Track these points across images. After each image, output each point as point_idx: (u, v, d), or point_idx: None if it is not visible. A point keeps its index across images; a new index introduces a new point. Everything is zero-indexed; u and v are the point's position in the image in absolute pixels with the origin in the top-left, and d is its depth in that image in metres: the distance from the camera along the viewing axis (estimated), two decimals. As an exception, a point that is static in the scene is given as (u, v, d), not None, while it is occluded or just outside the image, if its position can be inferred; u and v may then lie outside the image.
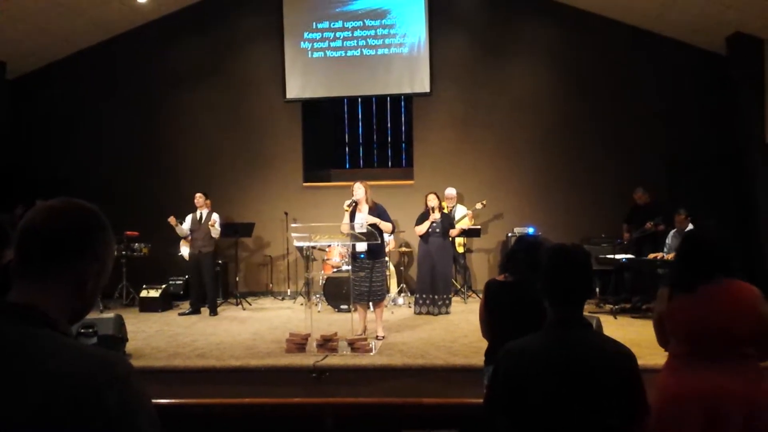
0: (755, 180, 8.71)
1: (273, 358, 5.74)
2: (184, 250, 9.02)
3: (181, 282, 9.23)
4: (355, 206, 6.44)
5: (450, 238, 8.15)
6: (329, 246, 8.51)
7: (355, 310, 6.58)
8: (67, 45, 10.21)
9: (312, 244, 6.40)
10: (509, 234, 9.42)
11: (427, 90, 9.99)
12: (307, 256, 6.82)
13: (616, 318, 7.35)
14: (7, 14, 8.62)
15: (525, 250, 3.32)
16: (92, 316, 5.90)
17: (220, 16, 10.31)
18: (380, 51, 10.07)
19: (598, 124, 9.63)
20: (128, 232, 9.07)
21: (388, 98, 10.83)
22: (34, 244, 1.17)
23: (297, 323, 7.09)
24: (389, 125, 11.15)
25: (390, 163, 11.14)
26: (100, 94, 10.40)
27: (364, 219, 6.29)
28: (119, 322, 5.91)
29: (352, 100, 10.96)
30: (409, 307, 8.51)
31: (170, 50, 10.36)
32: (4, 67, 10.04)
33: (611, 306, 7.84)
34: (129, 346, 6.08)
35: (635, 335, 5.98)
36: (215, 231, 8.35)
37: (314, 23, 10.19)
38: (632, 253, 8.32)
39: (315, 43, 10.19)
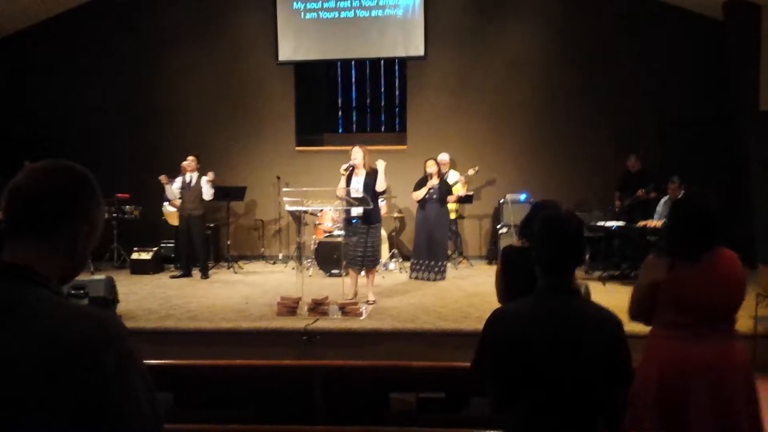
0: (748, 146, 8.71)
1: (264, 321, 5.78)
2: (170, 214, 8.98)
3: (172, 245, 9.21)
4: (351, 170, 6.40)
5: (447, 205, 8.15)
6: (321, 210, 8.50)
7: (347, 274, 6.61)
8: (58, 3, 9.98)
9: (304, 208, 6.39)
10: (501, 200, 9.44)
11: (422, 53, 9.86)
12: (299, 220, 6.82)
13: (604, 285, 7.41)
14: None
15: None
16: (83, 277, 5.90)
17: (211, -26, 10.08)
18: (374, 13, 9.90)
19: (592, 89, 9.57)
20: (119, 195, 9.01)
21: (382, 62, 10.69)
22: (22, 205, 1.16)
23: (288, 287, 7.12)
24: (383, 89, 11.03)
25: (383, 128, 11.05)
26: (92, 54, 10.20)
27: (360, 185, 6.25)
28: (110, 284, 5.93)
29: (346, 63, 10.81)
30: (401, 272, 8.55)
31: (162, 9, 10.14)
32: (-9, 26, 9.83)
33: (600, 273, 7.90)
34: (120, 308, 6.10)
35: (623, 302, 5.99)
36: (208, 190, 8.28)
37: (307, -17, 9.99)
38: (624, 221, 8.35)
39: (308, 4, 9.99)
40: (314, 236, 8.67)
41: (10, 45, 10.26)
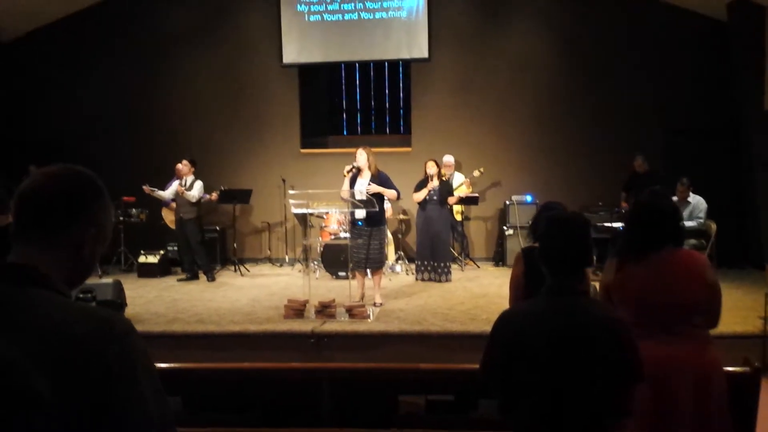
0: (753, 148, 8.68)
1: (271, 323, 5.79)
2: (169, 218, 9.01)
3: (178, 248, 9.23)
4: (357, 172, 6.39)
5: (448, 206, 8.15)
6: (327, 213, 8.51)
7: (354, 277, 6.61)
8: (61, 7, 10.03)
9: (310, 210, 6.39)
10: (507, 202, 9.42)
11: (426, 56, 9.87)
12: (305, 222, 6.82)
13: (611, 285, 7.38)
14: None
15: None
16: (91, 281, 5.92)
17: (215, -22, 10.11)
18: (378, 15, 9.91)
19: (596, 90, 9.55)
20: (126, 198, 9.04)
21: (386, 64, 10.70)
22: (30, 208, 1.18)
23: (295, 290, 7.13)
24: (387, 91, 11.04)
25: (388, 130, 11.06)
26: (95, 57, 10.25)
27: (365, 187, 6.24)
28: (118, 288, 5.95)
29: (350, 65, 10.82)
30: (407, 274, 8.55)
31: (165, 12, 10.18)
32: (-3, 30, 9.89)
33: (607, 274, 7.87)
34: (128, 312, 6.12)
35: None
36: (196, 193, 8.24)
37: (311, -14, 10.01)
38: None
39: (312, 6, 10.01)
40: (320, 238, 8.68)
41: (13, 50, 10.31)
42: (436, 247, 7.82)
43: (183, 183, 8.27)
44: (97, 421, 1.04)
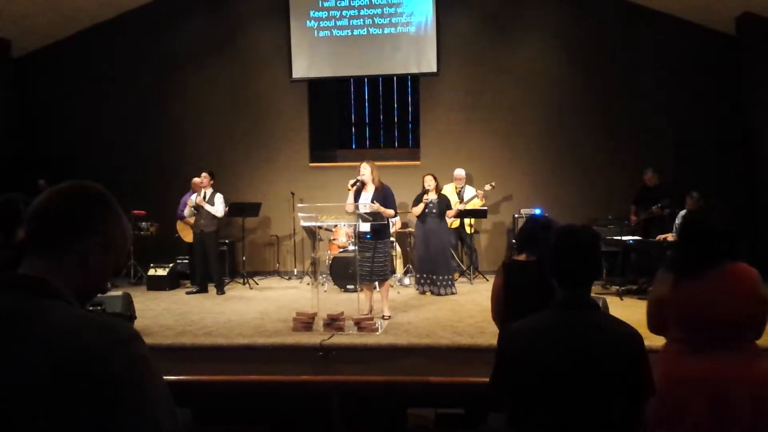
0: (764, 162, 8.64)
1: (280, 336, 5.78)
2: (183, 230, 9.04)
3: (188, 261, 9.27)
4: (361, 186, 6.42)
5: (447, 219, 8.14)
6: (336, 226, 8.52)
7: (362, 290, 6.60)
8: (73, 23, 10.17)
9: (319, 224, 6.41)
10: (516, 215, 9.41)
11: (434, 70, 9.92)
12: (314, 236, 6.83)
13: (622, 299, 7.35)
14: (13, -8, 8.58)
15: (542, 229, 3.30)
16: (100, 294, 5.93)
17: (226, -6, 10.23)
18: (387, 30, 9.99)
19: (606, 104, 9.56)
20: (135, 212, 9.10)
21: (395, 78, 10.76)
22: (36, 223, 1.22)
23: (304, 303, 7.13)
24: (396, 105, 11.09)
25: (396, 144, 11.10)
26: (106, 73, 10.37)
27: (369, 198, 6.27)
28: (127, 300, 5.96)
29: (359, 79, 10.89)
30: (415, 287, 8.53)
31: (176, 29, 10.31)
32: (9, 46, 10.02)
33: (617, 287, 7.83)
34: (137, 324, 6.11)
35: (641, 316, 5.91)
36: (219, 208, 8.32)
37: (320, 1, 10.10)
38: (639, 235, 8.29)
39: (321, 22, 10.11)
40: (329, 251, 8.68)
41: (24, 66, 10.44)
42: (435, 261, 7.82)
43: (203, 196, 8.31)
44: (102, 428, 1.05)
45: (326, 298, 7.55)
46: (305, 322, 5.88)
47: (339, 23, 10.09)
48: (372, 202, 6.24)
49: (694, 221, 2.63)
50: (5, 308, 1.11)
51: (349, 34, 10.09)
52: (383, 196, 6.31)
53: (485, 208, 9.02)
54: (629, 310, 6.56)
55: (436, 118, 10.03)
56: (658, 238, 7.60)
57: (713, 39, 9.24)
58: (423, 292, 7.89)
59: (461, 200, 8.94)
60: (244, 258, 9.47)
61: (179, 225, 9.13)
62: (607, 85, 9.55)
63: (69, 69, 10.42)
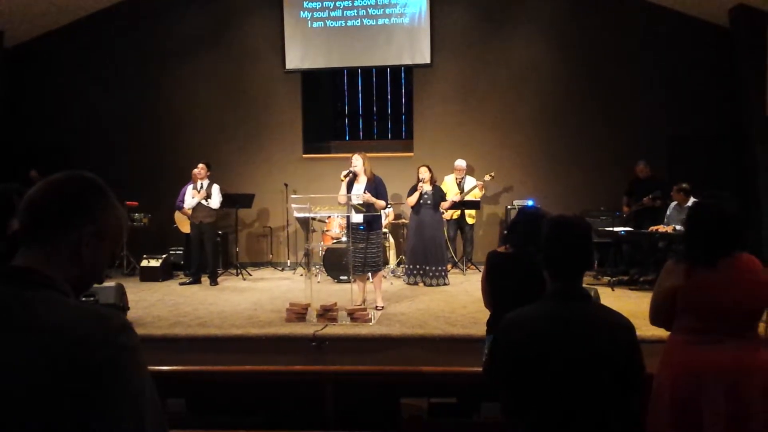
0: (755, 154, 8.69)
1: (273, 327, 5.79)
2: (181, 221, 9.02)
3: (181, 252, 9.26)
4: (353, 177, 6.43)
5: (441, 210, 8.16)
6: (329, 217, 8.53)
7: (355, 280, 6.62)
8: (67, 13, 10.08)
9: (312, 215, 6.41)
10: (509, 207, 9.44)
11: (428, 61, 9.90)
12: (307, 226, 6.83)
13: (613, 290, 7.40)
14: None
15: (525, 222, 3.33)
16: (96, 284, 5.92)
17: (218, -16, 10.16)
18: (381, 21, 9.96)
19: (599, 96, 9.58)
20: (128, 202, 9.07)
21: (388, 69, 10.73)
22: (30, 213, 1.22)
23: (297, 293, 7.15)
24: (389, 97, 11.08)
25: (390, 135, 11.09)
26: (100, 63, 10.30)
27: (362, 189, 6.28)
28: (120, 291, 5.96)
29: (352, 71, 10.86)
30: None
31: (170, 19, 10.23)
32: (2, 35, 9.92)
33: (609, 278, 7.89)
34: (130, 315, 6.13)
35: (633, 307, 6.03)
36: (216, 199, 8.33)
37: (314, -8, 10.06)
38: (631, 226, 8.35)
39: (315, 13, 10.06)
40: (322, 243, 8.69)
41: (17, 55, 10.35)
42: (428, 252, 7.83)
43: (199, 187, 8.30)
44: (90, 418, 1.05)
45: (319, 289, 7.56)
46: (298, 313, 5.90)
47: (333, 14, 10.05)
48: (364, 192, 6.25)
49: (713, 210, 2.59)
50: None
51: (343, 25, 10.06)
52: (375, 187, 6.33)
53: (478, 199, 9.04)
54: (621, 301, 6.61)
55: (429, 110, 10.02)
56: (650, 229, 7.66)
57: (707, 31, 9.26)
58: (414, 283, 7.90)
59: (462, 191, 8.94)
60: (237, 249, 9.47)
61: (177, 216, 9.09)
62: (601, 76, 9.56)
63: (62, 59, 10.34)
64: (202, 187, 8.32)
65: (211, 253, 8.36)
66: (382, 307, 6.45)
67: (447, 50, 9.90)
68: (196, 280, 8.35)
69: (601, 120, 9.57)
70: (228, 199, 8.90)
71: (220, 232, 9.54)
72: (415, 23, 9.87)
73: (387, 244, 8.81)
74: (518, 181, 9.77)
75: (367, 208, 6.15)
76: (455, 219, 9.03)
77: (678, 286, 2.58)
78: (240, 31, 10.22)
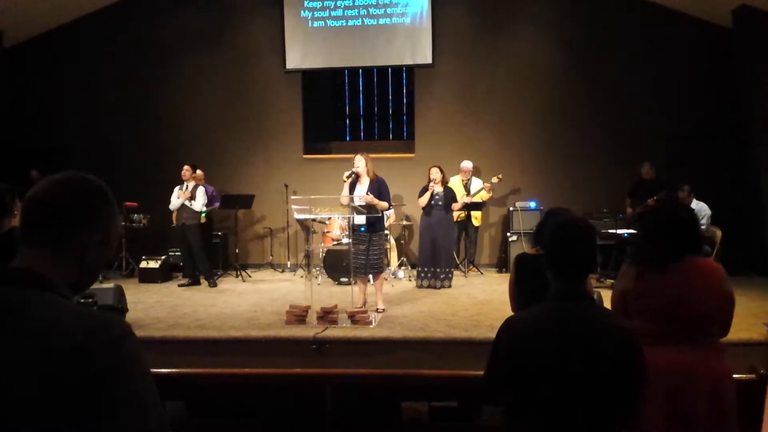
0: (758, 155, 8.64)
1: (273, 329, 5.76)
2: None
3: (180, 253, 9.21)
4: (355, 178, 6.39)
5: (453, 212, 8.12)
6: (329, 219, 8.49)
7: (356, 282, 6.58)
8: (66, 12, 10.06)
9: (312, 216, 6.37)
10: (511, 208, 9.40)
11: (429, 61, 9.87)
12: (308, 229, 6.80)
13: (616, 292, 7.36)
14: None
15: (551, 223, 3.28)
16: (92, 286, 5.89)
17: (219, -17, 10.14)
18: (382, 21, 9.93)
19: (601, 97, 9.54)
20: (128, 203, 9.03)
21: (390, 69, 10.70)
22: (35, 213, 1.19)
23: (297, 295, 7.11)
24: (390, 97, 11.05)
25: (391, 136, 11.06)
26: (99, 63, 10.28)
27: (364, 190, 6.24)
28: (119, 293, 5.93)
29: (353, 71, 10.83)
30: (410, 280, 8.52)
31: (170, 19, 10.21)
32: (1, 35, 9.90)
33: (612, 281, 7.84)
34: (129, 317, 6.10)
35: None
36: (199, 202, 8.21)
37: (315, -8, 10.03)
38: (634, 228, 8.30)
39: (315, 12, 10.03)
40: (323, 244, 8.65)
41: (16, 55, 10.33)
42: (438, 253, 7.79)
43: (184, 188, 8.23)
44: (88, 423, 1.04)
45: (320, 291, 7.53)
46: (299, 315, 5.86)
47: (333, 13, 10.02)
48: (367, 194, 6.21)
49: (660, 215, 2.62)
50: None
51: (344, 24, 10.03)
52: (378, 188, 6.29)
53: (481, 201, 8.99)
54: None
55: (430, 110, 9.99)
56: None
57: (710, 31, 9.22)
58: (426, 286, 7.85)
59: (468, 192, 8.90)
60: (237, 250, 9.43)
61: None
62: (602, 77, 9.52)
63: (62, 59, 10.32)
64: (187, 188, 8.24)
65: (198, 255, 8.22)
66: (383, 309, 6.41)
67: (448, 50, 9.87)
68: (195, 282, 8.31)
69: (603, 120, 9.53)
70: (228, 200, 8.86)
71: (219, 233, 9.52)
72: (416, 23, 9.84)
73: (388, 246, 8.78)
74: (520, 182, 9.73)
75: (369, 209, 6.11)
76: (461, 221, 8.97)
77: (626, 289, 2.60)
78: (240, 31, 10.20)
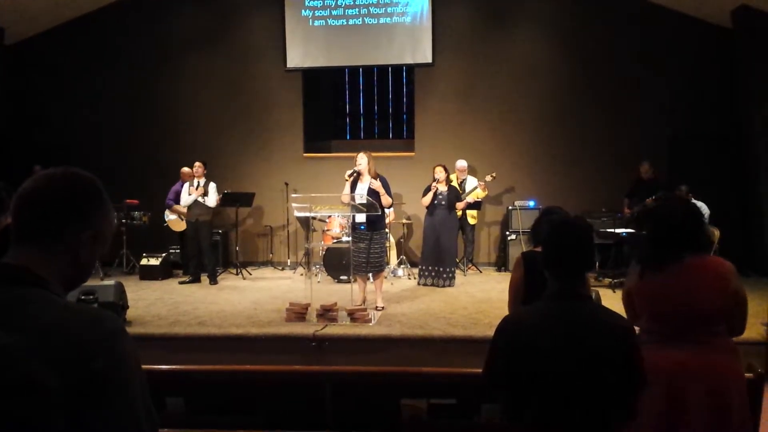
0: (757, 156, 8.66)
1: (273, 327, 5.78)
2: (171, 221, 8.99)
3: (179, 251, 9.23)
4: (357, 176, 6.40)
5: (457, 211, 8.13)
6: (329, 217, 8.51)
7: (355, 280, 6.60)
8: (67, 10, 10.06)
9: (312, 214, 6.39)
10: (510, 207, 9.41)
11: (430, 60, 9.88)
12: (307, 226, 6.81)
13: (614, 291, 7.38)
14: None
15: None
16: (92, 283, 5.94)
17: (220, -18, 10.15)
18: (382, 20, 9.93)
19: (600, 96, 9.55)
20: (128, 201, 9.05)
21: (390, 68, 10.71)
22: (28, 209, 1.18)
23: (297, 293, 7.12)
24: (390, 96, 11.05)
25: (391, 135, 11.07)
26: (100, 61, 10.28)
27: (365, 191, 6.25)
28: (120, 290, 5.94)
29: (354, 70, 10.84)
30: (410, 278, 8.54)
31: (171, 17, 10.22)
32: (2, 33, 9.90)
33: (610, 280, 7.86)
34: (129, 314, 6.11)
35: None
36: (212, 198, 8.30)
37: (315, -9, 10.04)
38: (633, 228, 8.32)
39: (316, 11, 10.04)
40: (323, 242, 8.67)
41: (18, 52, 10.33)
42: (441, 253, 7.79)
43: (196, 184, 8.27)
44: (82, 420, 1.04)
45: (319, 289, 7.55)
46: (298, 313, 5.88)
47: (334, 12, 10.03)
48: (368, 191, 6.22)
49: (659, 215, 2.62)
50: None
51: (345, 23, 10.03)
52: (379, 186, 6.30)
53: (480, 200, 9.01)
54: (621, 303, 6.59)
55: (430, 109, 10.00)
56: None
57: (709, 31, 9.23)
58: (426, 284, 7.86)
59: (462, 191, 8.91)
60: (237, 248, 9.45)
61: (168, 214, 9.07)
62: (602, 76, 9.53)
63: (62, 56, 10.32)
64: (199, 184, 8.28)
65: (207, 251, 8.31)
66: (383, 307, 6.43)
67: (449, 49, 9.87)
68: (196, 279, 8.33)
69: (602, 120, 9.54)
70: (228, 198, 8.88)
71: (219, 231, 9.54)
72: (416, 22, 9.85)
73: (387, 244, 8.78)
74: (519, 181, 9.74)
75: (369, 207, 6.12)
76: (458, 219, 8.99)
77: (632, 288, 2.64)
78: (241, 30, 10.20)
